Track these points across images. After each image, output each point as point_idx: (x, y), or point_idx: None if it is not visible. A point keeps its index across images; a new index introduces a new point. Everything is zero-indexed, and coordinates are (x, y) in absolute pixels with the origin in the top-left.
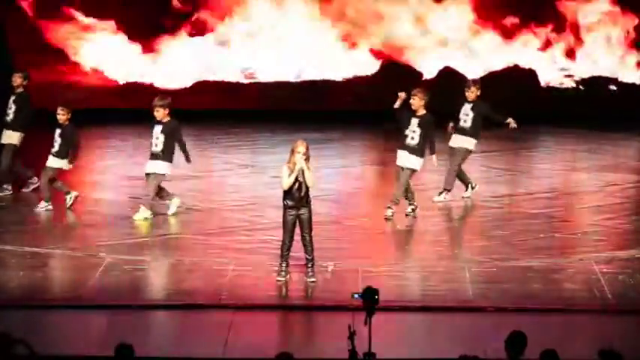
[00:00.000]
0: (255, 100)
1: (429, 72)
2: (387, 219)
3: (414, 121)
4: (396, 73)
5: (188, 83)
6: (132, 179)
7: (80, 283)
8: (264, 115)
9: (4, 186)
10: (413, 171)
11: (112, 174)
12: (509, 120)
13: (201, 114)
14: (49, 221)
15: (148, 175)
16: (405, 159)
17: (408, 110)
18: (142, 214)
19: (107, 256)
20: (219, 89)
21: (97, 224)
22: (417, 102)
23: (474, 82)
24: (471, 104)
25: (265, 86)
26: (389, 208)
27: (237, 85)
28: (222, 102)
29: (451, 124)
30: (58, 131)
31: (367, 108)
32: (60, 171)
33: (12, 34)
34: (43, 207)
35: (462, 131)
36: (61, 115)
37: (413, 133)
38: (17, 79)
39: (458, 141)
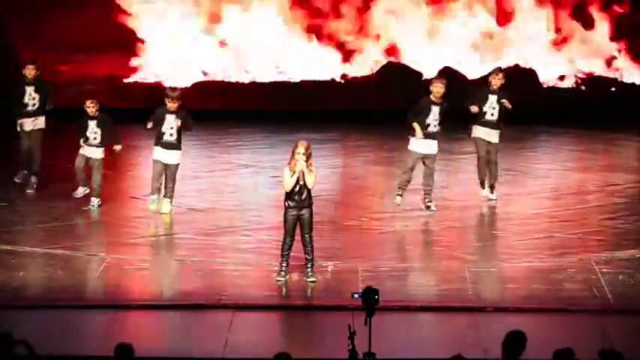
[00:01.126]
0: (255, 100)
1: (429, 72)
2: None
3: (436, 109)
4: (396, 73)
5: (188, 83)
6: (132, 179)
7: (80, 283)
8: (264, 115)
9: (22, 172)
10: (435, 156)
11: (112, 174)
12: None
13: (201, 114)
14: (49, 221)
15: (166, 165)
16: (428, 146)
17: (427, 99)
18: (169, 207)
19: (107, 256)
20: (219, 89)
21: (97, 224)
22: (443, 90)
23: (500, 69)
24: (497, 95)
25: (265, 86)
26: (429, 201)
27: (237, 85)
28: (222, 102)
29: (475, 107)
30: (92, 123)
31: (367, 108)
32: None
33: (12, 33)
34: (95, 204)
35: (493, 125)
36: (92, 108)
37: (435, 121)
38: (32, 71)
39: (491, 135)
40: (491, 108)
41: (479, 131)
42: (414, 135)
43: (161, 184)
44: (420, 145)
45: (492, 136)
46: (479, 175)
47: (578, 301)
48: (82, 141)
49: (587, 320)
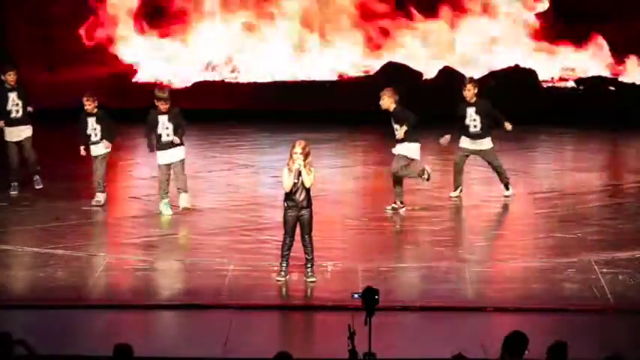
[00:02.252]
0: (255, 100)
1: (429, 72)
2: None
3: (392, 118)
4: (396, 73)
5: (188, 83)
6: (132, 179)
7: (80, 283)
8: (264, 115)
9: (14, 184)
10: (406, 158)
11: (112, 173)
12: (507, 124)
13: (201, 114)
14: (49, 221)
15: (168, 165)
16: (396, 149)
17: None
18: (187, 200)
19: (107, 256)
20: (219, 89)
21: (97, 224)
22: (386, 101)
23: (470, 79)
24: (474, 107)
25: (265, 86)
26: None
27: (237, 85)
28: (222, 102)
29: (448, 137)
30: (91, 120)
31: (367, 108)
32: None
33: (11, 33)
34: (101, 199)
35: (478, 135)
36: (89, 105)
37: (395, 130)
38: (13, 76)
39: (479, 144)
40: (472, 120)
41: (465, 142)
42: None
43: (168, 187)
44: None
45: (481, 144)
46: (454, 180)
47: (578, 301)
48: (82, 148)
49: (587, 320)
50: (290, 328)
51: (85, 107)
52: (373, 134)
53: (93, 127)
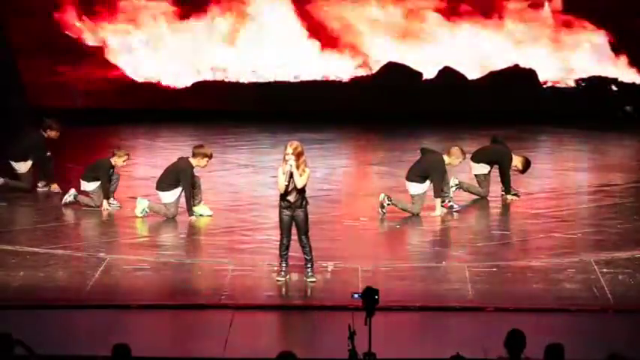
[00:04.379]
0: (255, 100)
1: (429, 72)
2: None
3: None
4: (396, 73)
5: (188, 83)
6: (131, 179)
7: (80, 283)
8: (264, 115)
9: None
10: None
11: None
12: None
13: (201, 114)
14: (49, 221)
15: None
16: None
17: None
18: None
19: (107, 256)
20: (219, 89)
21: (97, 224)
22: (454, 160)
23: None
24: None
25: (265, 86)
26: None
27: (237, 85)
28: (222, 102)
29: None
30: (115, 176)
31: (367, 108)
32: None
33: (13, 32)
34: (115, 205)
35: None
36: (124, 163)
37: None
38: (55, 134)
39: None
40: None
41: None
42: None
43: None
44: None
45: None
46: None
47: (578, 301)
48: (106, 203)
49: (587, 320)
50: (290, 328)
51: (117, 165)
52: (373, 134)
53: (114, 180)
